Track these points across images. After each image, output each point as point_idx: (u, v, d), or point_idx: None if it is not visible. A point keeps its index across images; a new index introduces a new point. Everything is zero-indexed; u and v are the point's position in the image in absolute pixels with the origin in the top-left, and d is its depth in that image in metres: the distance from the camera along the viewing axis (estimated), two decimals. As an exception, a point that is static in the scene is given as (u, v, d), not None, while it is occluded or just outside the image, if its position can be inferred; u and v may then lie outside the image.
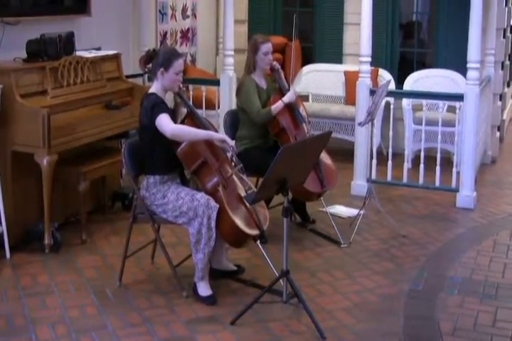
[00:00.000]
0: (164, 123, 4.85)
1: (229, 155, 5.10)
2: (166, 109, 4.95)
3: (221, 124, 6.62)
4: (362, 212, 6.46)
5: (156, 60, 5.00)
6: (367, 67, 7.39)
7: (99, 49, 7.02)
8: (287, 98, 6.06)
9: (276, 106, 6.00)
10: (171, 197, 4.92)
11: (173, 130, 4.85)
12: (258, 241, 5.08)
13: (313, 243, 6.15)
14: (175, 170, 5.09)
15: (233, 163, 5.17)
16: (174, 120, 5.03)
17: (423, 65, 9.63)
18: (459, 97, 7.19)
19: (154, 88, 5.05)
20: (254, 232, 4.92)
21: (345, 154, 8.07)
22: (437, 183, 7.36)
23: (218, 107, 8.18)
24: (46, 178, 5.63)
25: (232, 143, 5.03)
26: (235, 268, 5.40)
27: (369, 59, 7.37)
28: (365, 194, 6.54)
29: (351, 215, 6.70)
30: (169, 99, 5.18)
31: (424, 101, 7.62)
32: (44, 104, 5.74)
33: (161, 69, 4.96)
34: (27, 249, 5.85)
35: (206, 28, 10.15)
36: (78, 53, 6.48)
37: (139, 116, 5.05)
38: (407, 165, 7.51)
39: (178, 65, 5.00)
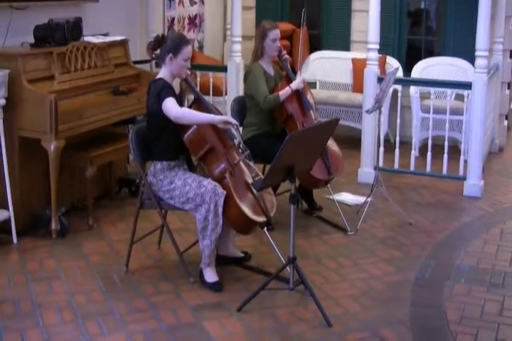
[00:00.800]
0: (169, 106, 4.85)
1: (236, 142, 5.08)
2: (172, 93, 4.94)
3: (228, 111, 6.60)
4: (369, 199, 6.44)
5: (165, 45, 4.98)
6: (375, 55, 7.36)
7: (106, 35, 7.01)
8: (295, 85, 6.04)
9: (284, 92, 5.99)
10: (178, 183, 4.91)
11: (177, 112, 4.84)
12: (265, 228, 5.09)
13: (319, 230, 6.15)
14: (182, 157, 5.08)
15: (240, 150, 5.16)
16: (180, 106, 5.02)
17: (431, 53, 9.58)
18: (467, 85, 7.16)
19: (162, 74, 5.04)
20: (261, 219, 4.91)
21: (352, 142, 8.05)
22: (444, 171, 7.34)
23: (225, 94, 8.17)
24: (53, 164, 5.63)
25: (234, 121, 4.97)
26: (241, 254, 5.41)
27: (377, 46, 7.34)
28: (372, 181, 6.54)
29: (358, 203, 6.70)
30: (176, 85, 5.17)
31: (432, 89, 7.59)
32: (51, 89, 5.74)
33: (170, 55, 4.95)
34: (34, 234, 5.86)
35: (214, 14, 10.11)
36: (86, 39, 6.46)
37: (146, 102, 5.04)
38: (414, 153, 7.50)
39: (187, 51, 4.98)
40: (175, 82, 5.13)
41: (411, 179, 7.61)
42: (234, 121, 4.94)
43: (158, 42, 5.06)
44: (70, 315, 4.55)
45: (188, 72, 5.13)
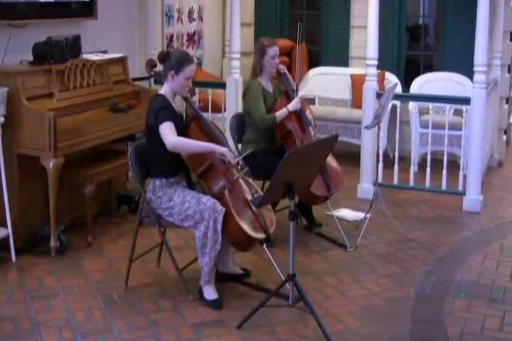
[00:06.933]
0: (166, 133, 4.85)
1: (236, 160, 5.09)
2: (169, 115, 4.93)
3: (227, 127, 6.61)
4: (368, 215, 6.44)
5: (169, 62, 4.99)
6: (373, 70, 7.38)
7: (105, 52, 7.02)
8: (292, 106, 6.04)
9: (281, 113, 5.99)
10: (177, 201, 4.91)
11: (172, 144, 4.84)
12: (264, 245, 5.08)
13: (319, 246, 6.14)
14: (181, 173, 5.08)
15: (239, 167, 5.16)
16: (182, 125, 5.06)
17: (429, 68, 9.60)
18: (466, 100, 7.17)
19: (164, 90, 5.05)
20: (260, 236, 4.91)
21: (351, 157, 8.05)
22: (444, 187, 7.34)
23: (224, 110, 8.17)
24: (52, 181, 5.63)
25: (231, 158, 5.00)
26: (241, 271, 5.40)
27: (375, 62, 7.36)
28: (371, 197, 6.53)
29: (357, 219, 6.69)
30: (177, 103, 5.18)
31: (430, 105, 7.59)
32: (50, 106, 5.74)
33: (172, 72, 4.96)
34: (33, 251, 5.85)
35: (212, 31, 10.15)
36: (84, 56, 6.47)
37: (146, 116, 5.04)
38: (413, 168, 7.50)
39: (189, 70, 5.00)
40: (176, 99, 5.14)
41: (410, 194, 7.60)
42: (230, 159, 4.98)
43: (163, 58, 5.05)
44: (69, 333, 4.54)
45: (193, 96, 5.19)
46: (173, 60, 4.99)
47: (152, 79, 7.53)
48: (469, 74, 7.44)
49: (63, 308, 4.90)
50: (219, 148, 4.97)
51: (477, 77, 6.96)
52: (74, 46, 6.32)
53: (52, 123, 5.50)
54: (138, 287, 5.26)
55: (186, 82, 5.03)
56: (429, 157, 7.42)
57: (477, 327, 4.67)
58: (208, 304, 4.91)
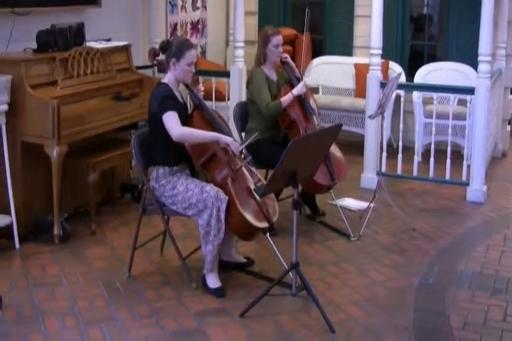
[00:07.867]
0: (171, 124, 4.84)
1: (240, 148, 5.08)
2: (174, 105, 4.93)
3: (231, 116, 6.60)
4: (372, 205, 6.43)
5: (169, 50, 4.98)
6: (377, 60, 7.36)
7: (109, 40, 7.01)
8: (297, 90, 6.03)
9: (286, 98, 5.98)
10: (180, 189, 4.90)
11: (178, 135, 4.84)
12: (267, 234, 5.07)
13: (322, 236, 6.14)
14: (184, 162, 5.07)
15: (242, 156, 5.15)
16: (186, 115, 5.06)
17: (433, 58, 9.58)
18: (470, 90, 7.16)
19: (167, 78, 5.04)
20: (263, 225, 4.90)
21: (355, 147, 8.03)
22: (447, 177, 7.32)
23: (228, 99, 8.16)
24: (56, 169, 5.63)
25: (235, 148, 5.00)
26: (244, 260, 5.40)
27: (380, 51, 7.34)
28: (374, 187, 6.52)
29: (361, 208, 6.68)
30: (182, 91, 5.16)
31: (434, 95, 7.58)
32: (54, 94, 5.74)
33: (173, 59, 4.94)
34: (36, 239, 5.85)
35: (216, 19, 10.12)
36: (88, 44, 6.46)
37: (148, 104, 5.03)
38: (417, 158, 7.49)
39: (190, 56, 4.97)
40: (181, 87, 5.12)
41: (414, 184, 7.60)
42: (234, 149, 4.98)
43: (164, 48, 5.05)
44: (72, 321, 4.54)
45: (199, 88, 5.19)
46: (173, 48, 4.98)
47: (156, 68, 7.51)
48: (473, 64, 7.42)
49: (66, 296, 4.91)
50: (223, 138, 4.96)
51: (481, 66, 6.94)
52: (78, 34, 6.31)
53: (56, 111, 5.50)
54: (141, 275, 5.26)
55: (189, 68, 5.01)
56: (432, 147, 7.40)
57: (480, 317, 4.67)
58: (210, 292, 4.92)
